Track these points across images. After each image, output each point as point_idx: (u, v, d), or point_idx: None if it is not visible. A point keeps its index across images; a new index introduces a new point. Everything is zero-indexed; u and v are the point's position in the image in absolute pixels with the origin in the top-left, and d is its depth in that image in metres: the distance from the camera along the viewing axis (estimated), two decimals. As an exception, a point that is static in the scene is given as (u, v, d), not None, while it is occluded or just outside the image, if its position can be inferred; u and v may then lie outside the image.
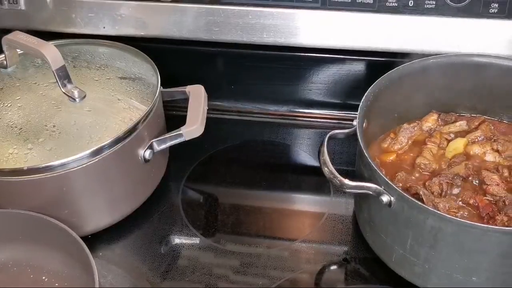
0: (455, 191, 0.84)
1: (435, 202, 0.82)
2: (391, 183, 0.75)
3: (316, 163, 0.99)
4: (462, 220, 0.72)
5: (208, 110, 1.04)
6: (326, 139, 0.82)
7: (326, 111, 1.08)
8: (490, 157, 0.90)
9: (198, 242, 0.90)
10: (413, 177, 0.88)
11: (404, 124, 0.94)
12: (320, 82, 1.05)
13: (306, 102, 1.08)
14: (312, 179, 0.99)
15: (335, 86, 1.05)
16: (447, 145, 0.92)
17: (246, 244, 0.90)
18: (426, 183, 0.86)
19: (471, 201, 0.83)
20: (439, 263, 0.77)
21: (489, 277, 0.75)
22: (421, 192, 0.82)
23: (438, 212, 0.74)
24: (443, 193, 0.84)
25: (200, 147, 1.02)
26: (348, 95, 1.05)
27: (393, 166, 0.90)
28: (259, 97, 1.08)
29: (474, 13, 0.91)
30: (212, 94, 1.05)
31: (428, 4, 0.90)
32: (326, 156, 0.80)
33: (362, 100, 0.85)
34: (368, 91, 0.86)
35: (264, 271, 0.86)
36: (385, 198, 0.76)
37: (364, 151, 0.79)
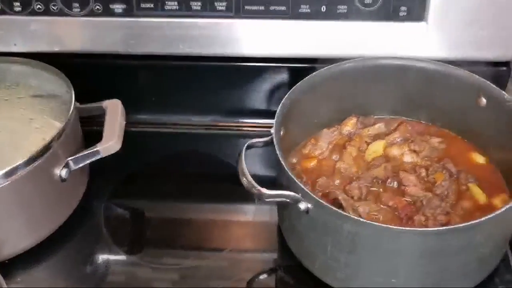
0: (375, 194, 0.86)
1: (355, 206, 0.83)
2: (306, 189, 0.75)
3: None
4: (377, 223, 0.73)
5: (131, 124, 1.01)
6: (244, 149, 0.82)
7: (250, 119, 1.07)
8: (408, 158, 0.91)
9: (124, 259, 0.89)
10: (334, 182, 0.88)
11: (324, 129, 0.94)
12: (242, 90, 1.04)
13: (230, 111, 1.07)
14: (238, 188, 0.97)
15: (258, 94, 1.04)
16: (367, 148, 0.93)
17: (174, 258, 0.88)
18: (346, 187, 0.86)
19: (391, 203, 0.84)
20: (359, 267, 0.77)
21: (408, 278, 0.76)
22: (340, 197, 0.83)
23: (354, 216, 0.74)
24: (363, 196, 0.85)
25: (124, 162, 0.99)
26: (271, 102, 1.04)
27: (314, 172, 0.90)
28: (182, 109, 1.07)
29: (385, 17, 0.92)
30: (134, 108, 1.03)
31: (340, 9, 0.91)
32: (244, 166, 0.79)
33: (278, 108, 0.85)
34: (284, 98, 0.86)
35: (192, 282, 0.85)
36: (302, 206, 0.76)
37: (281, 159, 0.79)
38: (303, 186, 0.75)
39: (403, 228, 0.75)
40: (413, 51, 0.93)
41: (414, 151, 0.91)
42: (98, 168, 0.94)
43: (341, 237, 0.75)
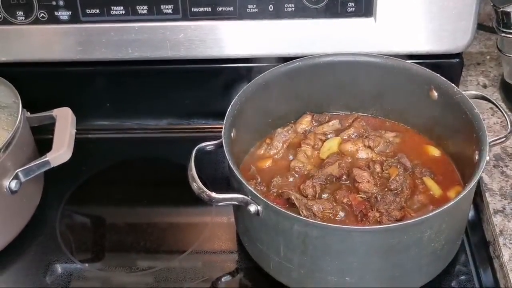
0: (329, 191, 0.85)
1: (309, 205, 0.82)
2: (255, 191, 0.74)
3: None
4: (324, 223, 0.72)
5: (87, 130, 1.00)
6: (193, 153, 0.81)
7: (205, 122, 1.06)
8: (362, 154, 0.90)
9: (80, 267, 0.87)
10: (289, 181, 0.87)
11: (278, 129, 0.94)
12: (196, 92, 1.03)
13: (185, 114, 1.06)
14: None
15: (212, 95, 1.03)
16: (322, 145, 0.92)
17: (132, 264, 0.87)
18: (301, 187, 0.85)
19: (345, 200, 0.83)
20: (312, 266, 0.76)
21: (362, 276, 0.76)
22: (292, 197, 0.82)
23: (302, 217, 0.73)
24: (317, 195, 0.84)
25: (80, 169, 0.99)
26: (226, 103, 1.03)
27: (270, 172, 0.90)
28: (137, 113, 1.06)
29: (333, 13, 0.91)
30: (89, 114, 1.03)
31: (287, 7, 0.90)
32: (194, 171, 0.78)
33: (228, 110, 0.84)
34: (234, 100, 0.85)
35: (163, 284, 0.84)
36: (252, 208, 0.75)
37: (230, 161, 0.78)
38: (251, 188, 0.74)
39: (352, 227, 0.74)
40: (363, 47, 0.92)
41: (369, 147, 0.91)
42: (53, 176, 0.93)
43: (292, 238, 0.74)
